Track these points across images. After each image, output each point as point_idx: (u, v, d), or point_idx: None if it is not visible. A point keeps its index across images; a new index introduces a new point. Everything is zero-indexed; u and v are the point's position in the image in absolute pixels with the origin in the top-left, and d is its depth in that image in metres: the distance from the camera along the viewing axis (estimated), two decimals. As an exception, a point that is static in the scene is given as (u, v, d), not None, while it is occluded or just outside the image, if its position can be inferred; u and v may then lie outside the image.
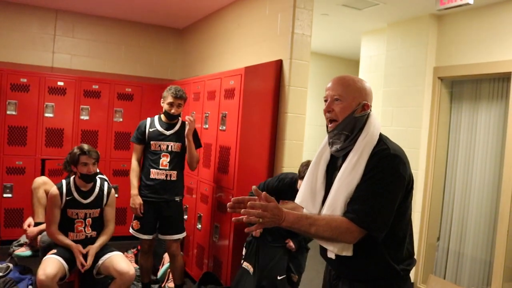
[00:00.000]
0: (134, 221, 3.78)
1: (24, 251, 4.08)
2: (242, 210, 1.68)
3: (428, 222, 4.65)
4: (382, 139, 1.84)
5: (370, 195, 1.73)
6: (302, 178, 3.15)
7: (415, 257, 1.98)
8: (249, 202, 1.67)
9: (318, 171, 1.97)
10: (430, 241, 4.66)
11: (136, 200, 3.72)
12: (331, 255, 1.88)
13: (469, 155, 4.48)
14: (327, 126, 1.92)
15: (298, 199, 2.04)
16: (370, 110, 1.89)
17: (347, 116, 1.84)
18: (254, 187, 1.78)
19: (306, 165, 3.22)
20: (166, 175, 3.72)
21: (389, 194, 1.74)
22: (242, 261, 3.46)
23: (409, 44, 4.79)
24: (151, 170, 3.71)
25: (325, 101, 1.90)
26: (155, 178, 3.70)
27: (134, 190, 3.74)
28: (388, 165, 1.75)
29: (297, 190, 2.67)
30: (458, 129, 4.60)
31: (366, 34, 5.70)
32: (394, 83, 4.92)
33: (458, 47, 4.43)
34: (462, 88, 4.59)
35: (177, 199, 3.80)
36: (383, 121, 4.95)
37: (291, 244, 3.39)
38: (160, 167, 3.70)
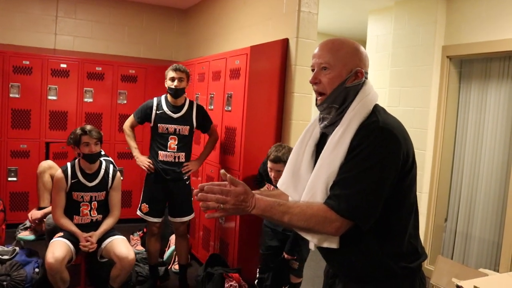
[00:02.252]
0: (142, 204, 3.75)
1: (28, 235, 4.07)
2: (198, 194, 1.49)
3: (435, 203, 4.61)
4: (375, 111, 1.54)
5: (353, 177, 1.45)
6: (270, 159, 3.18)
7: (420, 251, 1.64)
8: (206, 186, 1.48)
9: (305, 151, 1.69)
10: (438, 222, 4.63)
11: (142, 158, 3.72)
12: (311, 246, 1.63)
13: (478, 135, 4.42)
14: (316, 100, 1.64)
15: (279, 183, 1.77)
16: (366, 78, 1.61)
17: (337, 87, 1.56)
18: (222, 171, 1.54)
19: (276, 146, 3.23)
20: (174, 157, 3.69)
21: (376, 175, 1.44)
22: None
23: (417, 23, 4.69)
24: (159, 152, 3.68)
25: (312, 70, 1.62)
26: (163, 160, 3.67)
27: (136, 152, 3.75)
28: (375, 140, 1.45)
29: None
30: (467, 109, 4.53)
31: (373, 13, 5.60)
32: (401, 63, 4.84)
33: (467, 25, 4.33)
34: (471, 67, 4.51)
35: (185, 177, 3.77)
36: (390, 101, 4.89)
37: (287, 256, 3.35)
38: (168, 149, 3.67)
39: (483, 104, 4.38)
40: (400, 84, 4.83)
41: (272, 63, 3.80)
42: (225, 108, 3.99)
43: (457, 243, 4.55)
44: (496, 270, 4.00)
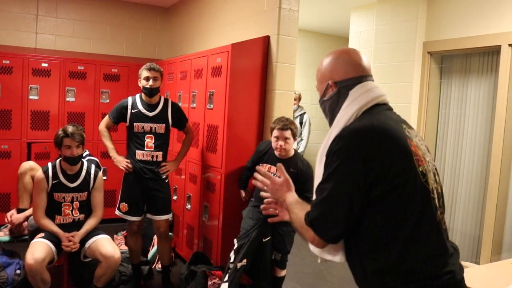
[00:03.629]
0: (121, 204, 3.72)
1: (3, 236, 4.03)
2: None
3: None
4: (358, 119, 1.50)
5: (319, 188, 1.47)
6: (278, 128, 3.24)
7: (425, 268, 1.40)
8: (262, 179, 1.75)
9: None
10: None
11: (119, 158, 3.67)
12: (319, 259, 1.65)
13: (459, 130, 4.47)
14: None
15: None
16: (348, 85, 1.56)
17: (320, 104, 1.67)
18: (278, 164, 1.78)
19: (278, 120, 3.29)
20: (152, 156, 3.66)
21: (332, 186, 1.40)
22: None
23: (399, 19, 4.72)
24: (137, 151, 3.65)
25: None
26: (141, 159, 3.65)
27: (113, 152, 3.70)
28: (334, 148, 1.42)
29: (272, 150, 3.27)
30: (448, 104, 4.57)
31: (355, 9, 5.63)
32: (383, 59, 4.87)
33: (448, 21, 4.37)
34: (452, 63, 4.55)
35: (164, 176, 3.74)
36: (372, 97, 4.91)
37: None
38: (146, 148, 3.65)
39: (464, 99, 4.43)
40: (382, 80, 4.86)
41: (254, 61, 3.80)
42: (207, 106, 3.99)
43: (439, 237, 4.60)
44: (477, 263, 4.05)
